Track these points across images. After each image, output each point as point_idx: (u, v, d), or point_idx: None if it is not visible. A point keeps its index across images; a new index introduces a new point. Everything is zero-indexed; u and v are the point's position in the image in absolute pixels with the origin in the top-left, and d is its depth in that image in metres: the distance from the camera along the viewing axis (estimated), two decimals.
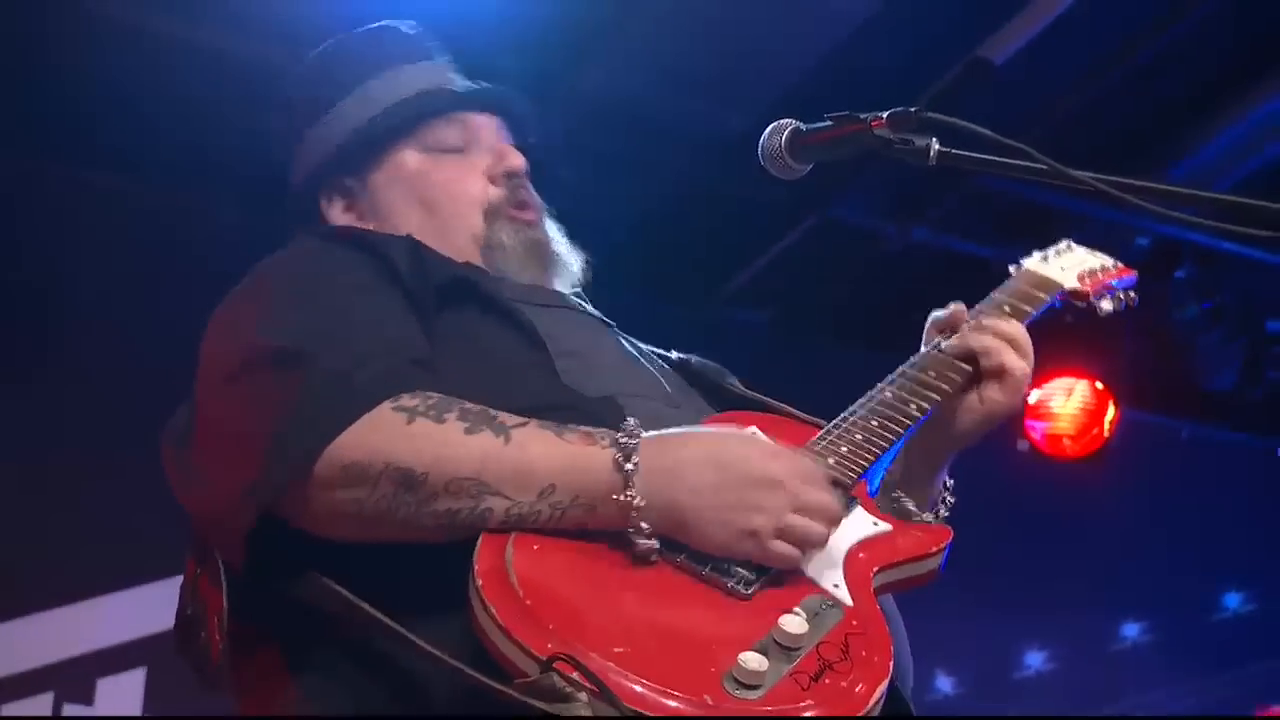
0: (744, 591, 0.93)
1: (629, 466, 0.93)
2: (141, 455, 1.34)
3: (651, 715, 0.83)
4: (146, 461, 1.26)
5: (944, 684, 3.39)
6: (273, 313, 1.07)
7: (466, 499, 0.93)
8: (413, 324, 1.08)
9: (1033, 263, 1.34)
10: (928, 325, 1.24)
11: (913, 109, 1.12)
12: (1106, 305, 1.32)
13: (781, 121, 1.18)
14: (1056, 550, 3.38)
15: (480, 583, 0.89)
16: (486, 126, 1.31)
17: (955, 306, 1.23)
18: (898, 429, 1.10)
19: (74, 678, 2.46)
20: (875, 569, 1.00)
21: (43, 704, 2.43)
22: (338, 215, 1.30)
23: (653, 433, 0.97)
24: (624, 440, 0.94)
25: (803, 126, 1.17)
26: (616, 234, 2.74)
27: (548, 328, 1.13)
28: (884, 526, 1.04)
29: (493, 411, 0.97)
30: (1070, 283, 1.32)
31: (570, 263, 1.31)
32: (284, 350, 1.00)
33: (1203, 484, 3.60)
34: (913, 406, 1.12)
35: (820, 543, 0.97)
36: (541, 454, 0.94)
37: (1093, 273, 1.35)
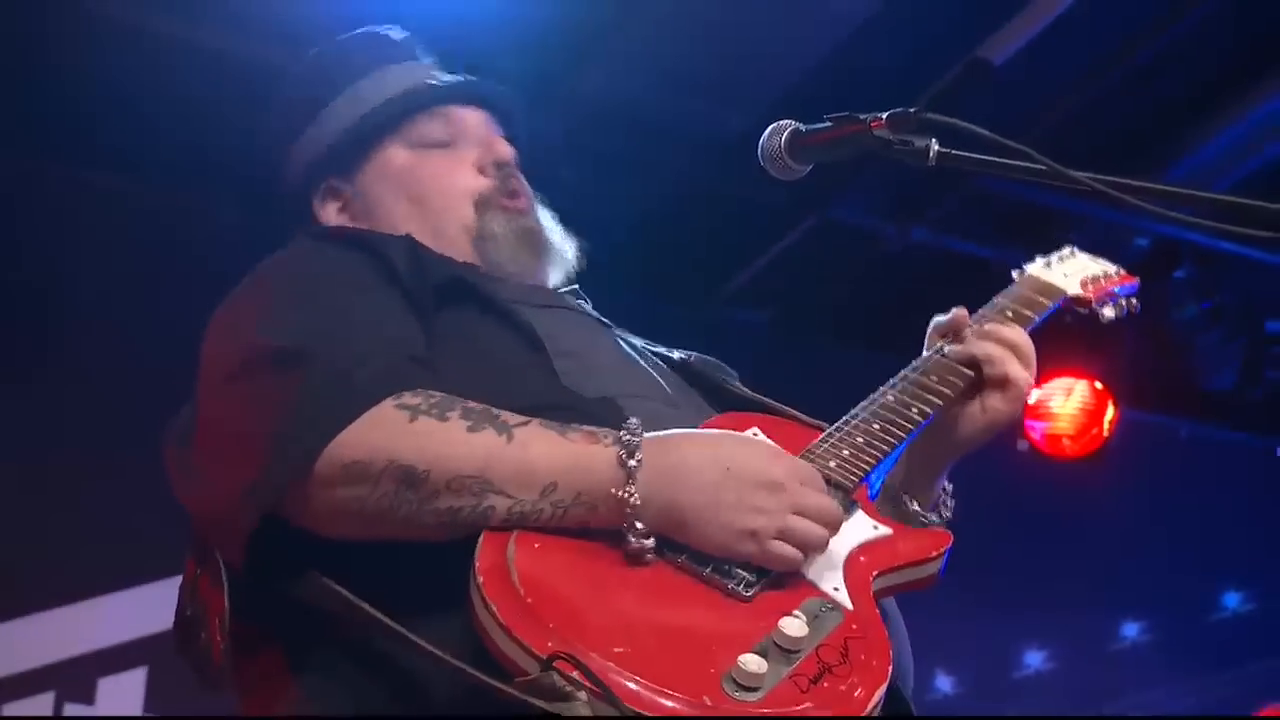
0: (744, 593, 0.94)
1: (632, 463, 0.93)
2: (141, 455, 1.34)
3: (651, 715, 0.83)
4: (146, 461, 1.26)
5: (944, 683, 3.39)
6: (272, 313, 1.07)
7: (469, 497, 0.93)
8: (412, 323, 1.08)
9: (1036, 268, 1.34)
10: (930, 330, 1.25)
11: (912, 110, 1.12)
12: (1109, 312, 1.33)
13: (781, 122, 1.18)
14: (1056, 550, 3.38)
15: (481, 580, 0.89)
16: (473, 119, 1.32)
17: (956, 310, 1.23)
18: (900, 433, 1.10)
19: (75, 677, 2.46)
20: (875, 573, 1.00)
21: (44, 703, 2.43)
22: (331, 216, 1.31)
23: (654, 433, 0.97)
24: (627, 438, 0.95)
25: (802, 127, 1.17)
26: (616, 234, 2.74)
27: (546, 328, 1.13)
28: (884, 530, 1.04)
29: (495, 410, 0.97)
30: (1073, 289, 1.32)
31: (564, 250, 1.31)
32: (284, 350, 1.00)
33: (1202, 484, 3.60)
34: (915, 411, 1.12)
35: (820, 545, 0.97)
36: (544, 452, 0.94)
37: (1095, 279, 1.35)
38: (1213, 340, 3.39)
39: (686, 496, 0.94)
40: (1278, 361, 3.52)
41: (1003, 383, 1.17)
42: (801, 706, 0.86)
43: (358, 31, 1.38)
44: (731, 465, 0.96)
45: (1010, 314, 1.24)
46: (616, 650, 0.86)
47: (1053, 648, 3.56)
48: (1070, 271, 1.35)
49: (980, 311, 1.25)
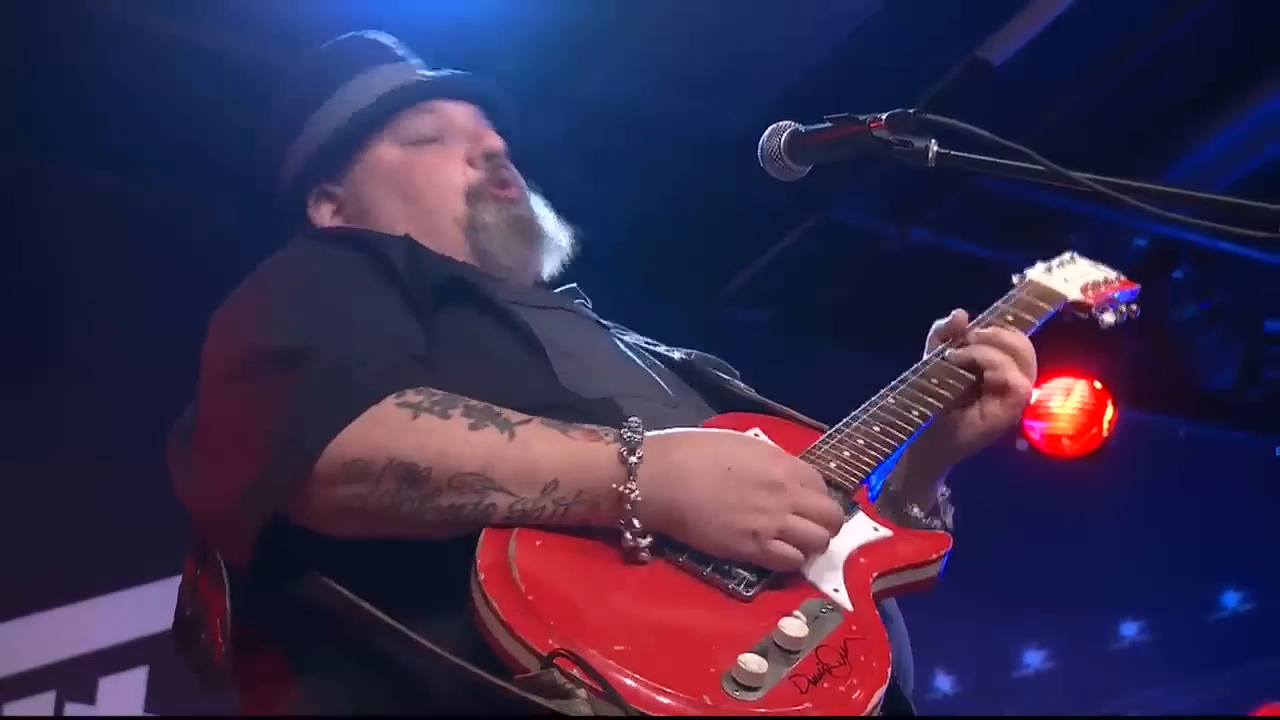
0: (745, 593, 0.94)
1: (633, 460, 0.93)
2: (141, 455, 1.34)
3: (651, 714, 0.83)
4: (146, 461, 1.26)
5: (943, 683, 3.40)
6: (273, 313, 1.08)
7: (470, 494, 0.93)
8: (412, 323, 1.08)
9: (1036, 273, 1.35)
10: (930, 334, 1.25)
11: (911, 110, 1.12)
12: (1108, 318, 1.33)
13: (780, 123, 1.18)
14: (1055, 549, 3.38)
15: (482, 577, 0.89)
16: (461, 113, 1.32)
17: (956, 313, 1.24)
18: (900, 435, 1.10)
19: (76, 677, 2.46)
20: (875, 574, 1.00)
21: (45, 703, 2.43)
22: (325, 219, 1.31)
23: (655, 432, 0.97)
24: (629, 435, 0.95)
25: (802, 128, 1.17)
26: (617, 234, 2.75)
27: (545, 329, 1.14)
28: (884, 532, 1.04)
29: (497, 408, 0.97)
30: (1073, 294, 1.33)
31: (557, 237, 1.31)
32: (284, 350, 1.01)
33: (1201, 483, 3.60)
34: (915, 413, 1.13)
35: (821, 546, 0.97)
36: (546, 450, 0.95)
37: (1096, 285, 1.36)
38: (1212, 340, 3.40)
39: (687, 495, 0.94)
40: (1277, 361, 3.52)
41: (1003, 389, 1.17)
42: (801, 707, 0.86)
43: (347, 35, 1.39)
44: (733, 465, 0.96)
45: (1011, 319, 1.25)
46: (617, 648, 0.86)
47: (1052, 647, 3.56)
48: (1070, 277, 1.35)
49: (981, 316, 1.26)
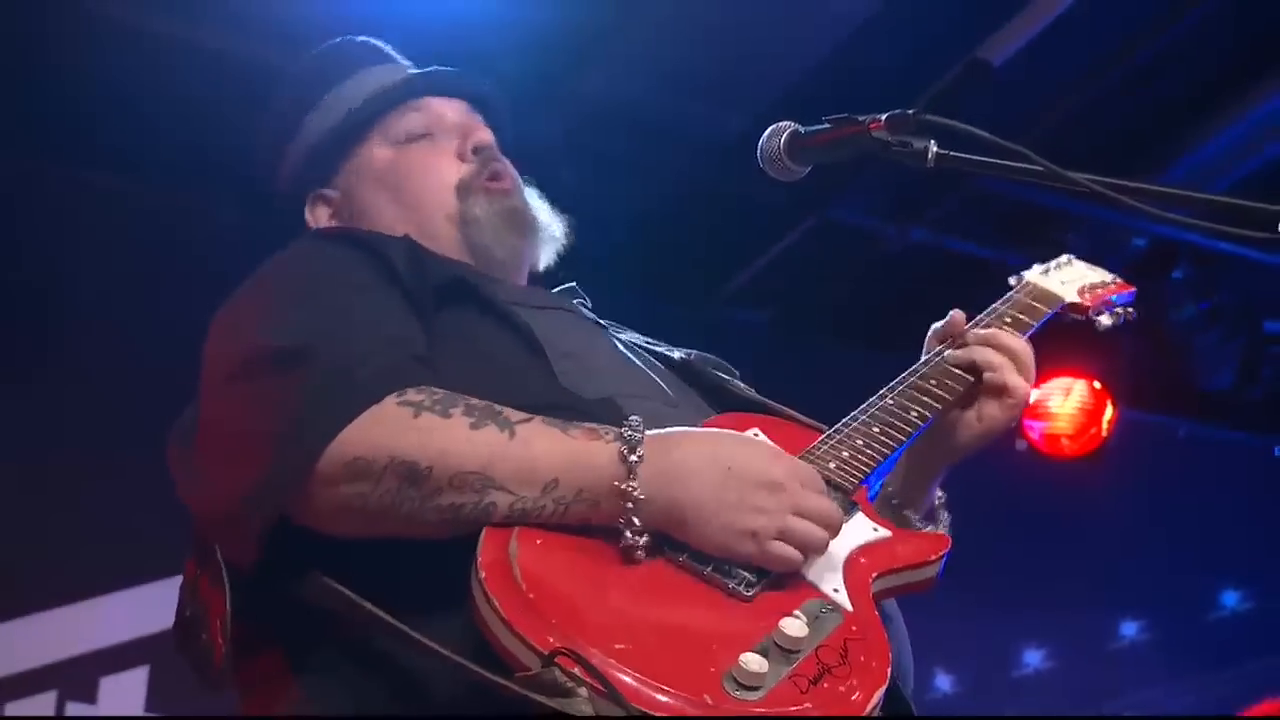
0: (745, 593, 0.94)
1: (633, 459, 0.93)
2: (141, 455, 1.35)
3: (651, 713, 0.83)
4: (146, 461, 1.26)
5: (943, 682, 3.40)
6: (273, 313, 1.08)
7: (470, 493, 0.93)
8: (413, 323, 1.08)
9: (1033, 275, 1.35)
10: (928, 335, 1.25)
11: (910, 111, 1.12)
12: (1105, 320, 1.34)
13: (780, 124, 1.18)
14: (1055, 549, 3.38)
15: (483, 575, 0.89)
16: (451, 109, 1.32)
17: (953, 314, 1.24)
18: (899, 436, 1.11)
19: (77, 676, 2.47)
20: (874, 575, 1.00)
21: (46, 702, 2.44)
22: (322, 221, 1.32)
23: (656, 430, 0.97)
24: (629, 434, 0.95)
25: (801, 129, 1.18)
26: (617, 234, 2.75)
27: (544, 330, 1.14)
28: (884, 533, 1.04)
29: (498, 407, 0.97)
30: (1070, 297, 1.33)
31: (551, 228, 1.31)
32: (284, 349, 1.01)
33: (1200, 483, 3.60)
34: (914, 414, 1.13)
35: (820, 547, 0.97)
36: (546, 449, 0.95)
37: (1093, 287, 1.36)
38: (1211, 340, 3.40)
39: (688, 495, 0.94)
40: (1276, 361, 3.53)
41: (1001, 390, 1.18)
42: (801, 707, 0.86)
43: (341, 39, 1.40)
44: (733, 465, 0.96)
45: (1009, 321, 1.25)
46: (618, 647, 0.86)
47: (1052, 647, 3.56)
48: (1068, 279, 1.36)
49: (979, 318, 1.26)
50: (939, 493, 1.21)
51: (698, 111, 2.72)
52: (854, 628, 0.93)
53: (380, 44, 1.40)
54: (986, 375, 1.18)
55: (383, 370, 0.98)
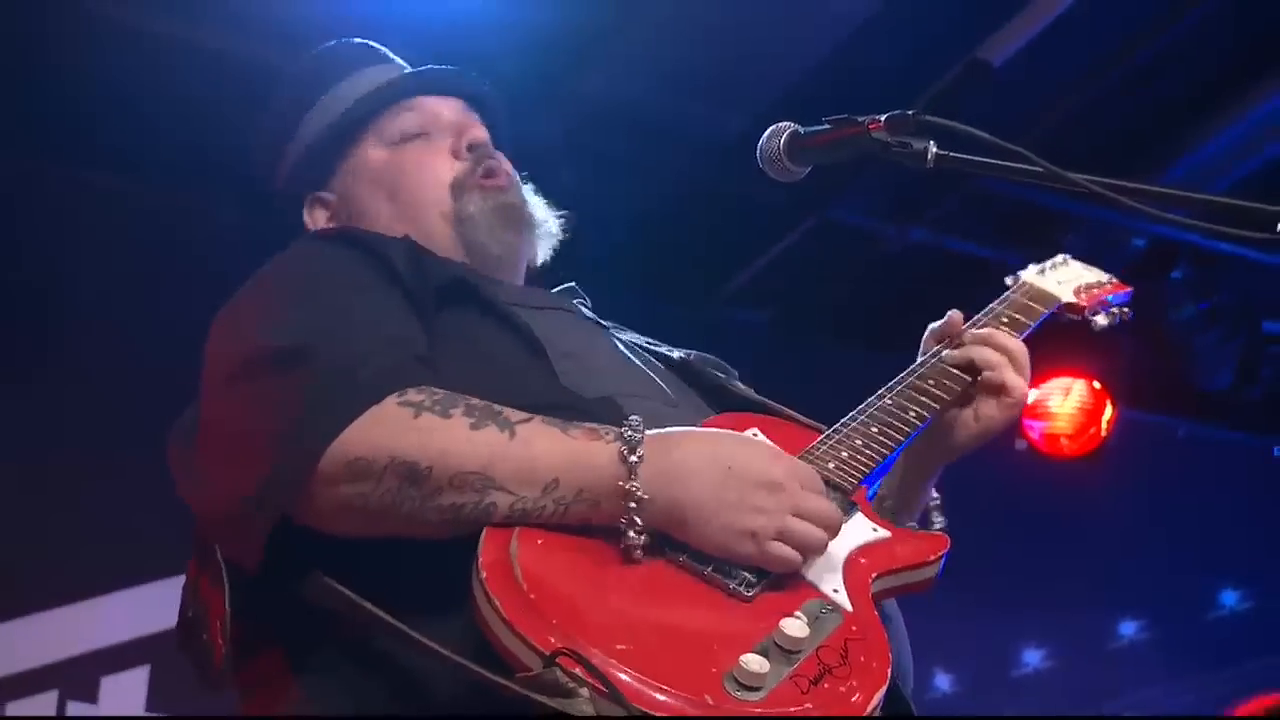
0: (745, 593, 0.94)
1: (633, 459, 0.94)
2: (141, 455, 1.35)
3: (652, 713, 0.83)
4: (146, 461, 1.26)
5: (942, 681, 3.40)
6: (274, 313, 1.08)
7: (471, 493, 0.93)
8: (413, 323, 1.08)
9: (1030, 275, 1.35)
10: (925, 335, 1.25)
11: (910, 112, 1.12)
12: (1101, 320, 1.34)
13: (780, 125, 1.19)
14: (1054, 549, 3.38)
15: (484, 575, 0.89)
16: (447, 108, 1.32)
17: (951, 314, 1.24)
18: (898, 436, 1.11)
19: (78, 676, 2.47)
20: (874, 575, 1.00)
21: (47, 702, 2.44)
22: (320, 223, 1.32)
23: (656, 430, 0.97)
24: (629, 434, 0.95)
25: (801, 130, 1.18)
26: (617, 234, 2.75)
27: (545, 330, 1.14)
28: (883, 533, 1.04)
29: (497, 407, 0.97)
30: (1067, 296, 1.34)
31: (547, 223, 1.31)
32: (285, 350, 1.01)
33: (1199, 483, 3.61)
34: (912, 414, 1.13)
35: (819, 548, 0.97)
36: (546, 449, 0.95)
37: (1089, 287, 1.36)
38: (1210, 340, 3.40)
39: (688, 494, 0.94)
40: (1275, 361, 3.53)
41: (998, 389, 1.18)
42: (802, 707, 0.86)
43: (336, 41, 1.40)
44: (733, 465, 0.96)
45: (1005, 321, 1.26)
46: (619, 647, 0.86)
47: (1051, 646, 3.57)
48: (1064, 279, 1.36)
49: (976, 319, 1.26)
50: (935, 494, 1.22)
51: (698, 112, 2.72)
52: (854, 628, 0.94)
53: (377, 45, 1.40)
54: (984, 374, 1.18)
55: (383, 370, 0.98)
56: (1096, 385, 3.40)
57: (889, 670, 0.92)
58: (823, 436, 1.11)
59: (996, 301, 1.30)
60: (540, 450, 0.95)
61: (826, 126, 1.16)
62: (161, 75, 2.39)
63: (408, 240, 1.20)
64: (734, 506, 0.95)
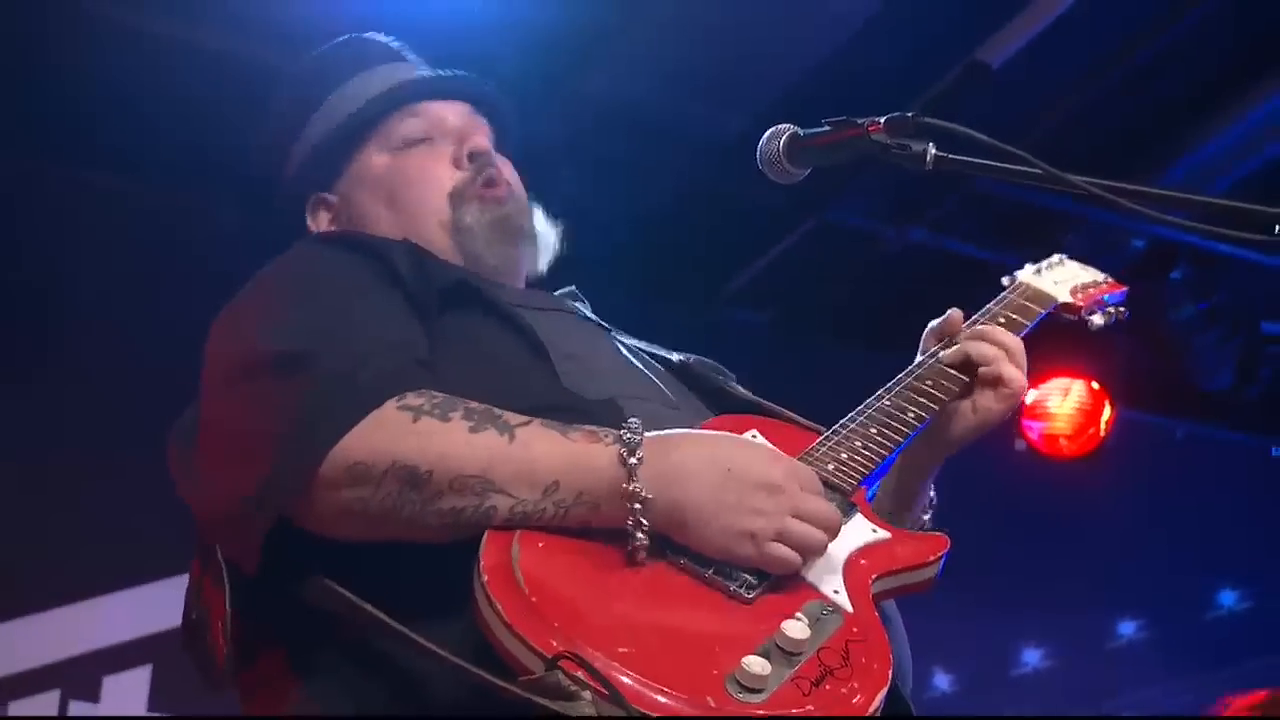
0: (746, 595, 0.94)
1: (633, 461, 0.94)
2: (141, 455, 1.35)
3: (655, 715, 0.84)
4: (146, 461, 1.27)
5: (942, 681, 3.41)
6: (274, 315, 1.08)
7: (471, 497, 0.93)
8: (414, 325, 1.08)
9: (1026, 275, 1.35)
10: (925, 334, 1.26)
11: (909, 114, 1.12)
12: (1098, 319, 1.34)
13: (779, 126, 1.19)
14: (1053, 549, 3.39)
15: (486, 578, 0.89)
16: (452, 113, 1.32)
17: (951, 312, 1.25)
18: (897, 436, 1.11)
19: (79, 676, 2.47)
20: (874, 576, 1.00)
21: (49, 702, 2.44)
22: (322, 225, 1.32)
23: (655, 432, 0.97)
24: (628, 436, 0.95)
25: (800, 131, 1.18)
26: (617, 234, 2.75)
27: (546, 332, 1.14)
28: (883, 534, 1.05)
29: (497, 410, 0.97)
30: (1063, 296, 1.34)
31: (545, 236, 1.31)
32: (285, 353, 1.01)
33: (1198, 483, 3.61)
34: (911, 414, 1.13)
35: (819, 549, 0.98)
36: (545, 452, 0.95)
37: (1085, 287, 1.36)
38: (1209, 341, 3.41)
39: (688, 496, 0.95)
40: (1274, 361, 3.53)
41: (995, 381, 1.18)
42: (804, 709, 0.87)
43: (349, 36, 1.39)
44: (732, 466, 0.96)
45: (1002, 321, 1.26)
46: (620, 650, 0.86)
47: (1050, 646, 3.57)
48: (1060, 279, 1.36)
49: (973, 318, 1.27)
50: (932, 493, 1.22)
51: (698, 112, 2.72)
52: (855, 629, 0.94)
53: (389, 40, 1.38)
54: (981, 370, 1.18)
55: (384, 374, 0.98)
56: (1095, 386, 3.40)
57: (890, 671, 0.92)
58: (822, 438, 1.11)
59: (993, 302, 1.30)
60: (540, 453, 0.95)
61: (826, 128, 1.16)
62: (161, 75, 2.39)
63: (408, 243, 1.20)
64: (733, 508, 0.95)
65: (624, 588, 0.93)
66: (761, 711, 0.86)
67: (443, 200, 1.27)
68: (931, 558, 1.04)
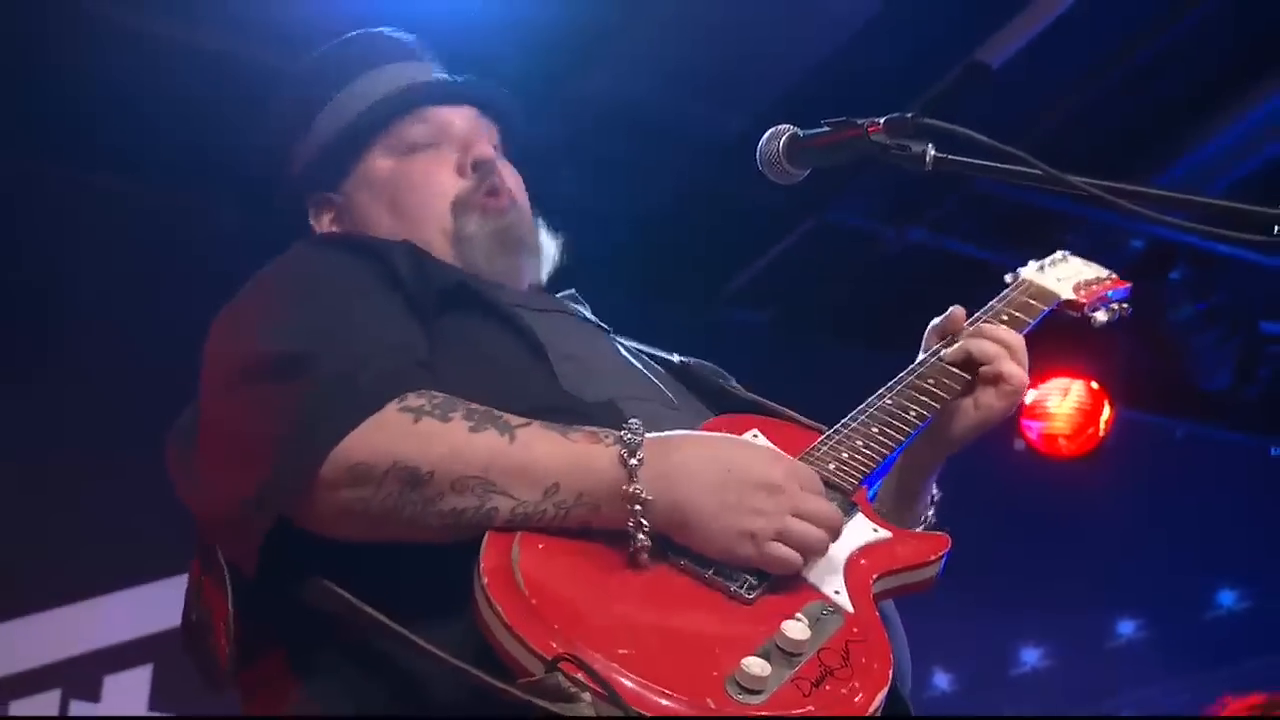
0: (746, 596, 0.94)
1: (633, 462, 0.94)
2: (141, 455, 1.35)
3: (654, 717, 0.84)
4: (146, 461, 1.27)
5: (941, 681, 3.41)
6: (274, 317, 1.08)
7: (472, 498, 0.94)
8: (414, 327, 1.08)
9: (1029, 273, 1.35)
10: (927, 332, 1.26)
11: (909, 115, 1.12)
12: (1101, 316, 1.34)
13: (779, 127, 1.19)
14: (1052, 548, 3.39)
15: (486, 580, 0.89)
16: (459, 119, 1.31)
17: (953, 309, 1.25)
18: (898, 436, 1.11)
19: (80, 675, 2.47)
20: (875, 576, 1.00)
21: (50, 701, 2.44)
22: (325, 226, 1.31)
23: (655, 433, 0.97)
24: (629, 437, 0.95)
25: (800, 132, 1.18)
26: (618, 234, 2.76)
27: (546, 333, 1.14)
28: (884, 534, 1.05)
29: (497, 411, 0.98)
30: (1066, 293, 1.34)
31: (546, 246, 1.31)
32: (285, 354, 1.01)
33: (1198, 483, 3.61)
34: (912, 413, 1.13)
35: (819, 549, 0.98)
36: (546, 453, 0.95)
37: (1088, 284, 1.36)
38: (1208, 341, 3.41)
39: (688, 497, 0.95)
40: (1273, 361, 3.53)
41: (997, 379, 1.18)
42: (804, 710, 0.87)
43: (359, 31, 1.38)
44: (732, 467, 0.96)
45: (1005, 319, 1.26)
46: (620, 652, 0.86)
47: (1049, 645, 3.57)
48: (1063, 276, 1.36)
49: (976, 315, 1.27)
50: (935, 490, 1.22)
51: (698, 112, 2.72)
52: (855, 629, 0.94)
53: (401, 36, 1.37)
54: (982, 368, 1.18)
55: (384, 375, 0.98)
56: (1095, 385, 3.40)
57: (890, 671, 0.92)
58: (823, 437, 1.11)
59: (996, 299, 1.30)
60: (540, 454, 0.95)
61: (825, 129, 1.16)
62: (161, 76, 2.39)
63: (408, 244, 1.20)
64: (733, 508, 0.95)
65: (624, 589, 0.93)
66: (761, 713, 0.86)
67: (445, 208, 1.26)
68: (932, 557, 1.04)
